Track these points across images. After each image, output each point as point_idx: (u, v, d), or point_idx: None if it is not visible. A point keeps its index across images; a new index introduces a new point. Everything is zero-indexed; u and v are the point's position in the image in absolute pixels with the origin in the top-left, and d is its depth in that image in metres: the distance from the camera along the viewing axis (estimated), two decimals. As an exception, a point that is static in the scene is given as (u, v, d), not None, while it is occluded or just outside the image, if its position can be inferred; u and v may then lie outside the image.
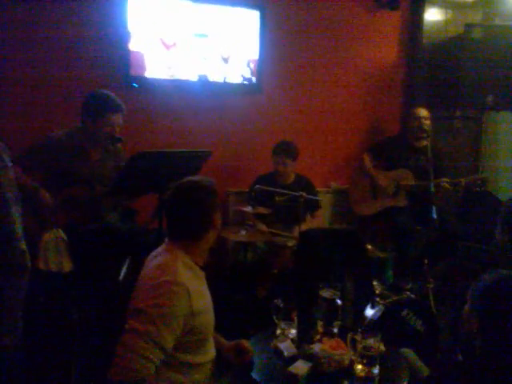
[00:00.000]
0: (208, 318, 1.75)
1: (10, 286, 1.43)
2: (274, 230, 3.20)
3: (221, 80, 3.59)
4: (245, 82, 3.67)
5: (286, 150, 3.41)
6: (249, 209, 2.93)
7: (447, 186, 3.40)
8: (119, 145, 2.75)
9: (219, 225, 1.81)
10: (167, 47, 3.38)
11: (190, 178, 1.83)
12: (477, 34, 4.12)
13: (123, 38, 3.21)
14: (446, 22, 4.35)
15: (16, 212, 1.45)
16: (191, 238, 1.75)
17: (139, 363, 1.52)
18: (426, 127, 3.68)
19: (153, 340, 1.54)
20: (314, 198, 3.29)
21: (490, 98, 3.98)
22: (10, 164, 1.48)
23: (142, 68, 3.31)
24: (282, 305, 2.09)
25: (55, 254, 2.23)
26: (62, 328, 2.29)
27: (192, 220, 1.74)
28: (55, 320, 2.30)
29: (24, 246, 1.46)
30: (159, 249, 1.81)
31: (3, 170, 1.43)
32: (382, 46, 4.24)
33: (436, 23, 4.35)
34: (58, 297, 2.33)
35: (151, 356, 1.54)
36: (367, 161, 3.88)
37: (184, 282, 1.62)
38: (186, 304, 1.61)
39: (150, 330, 1.54)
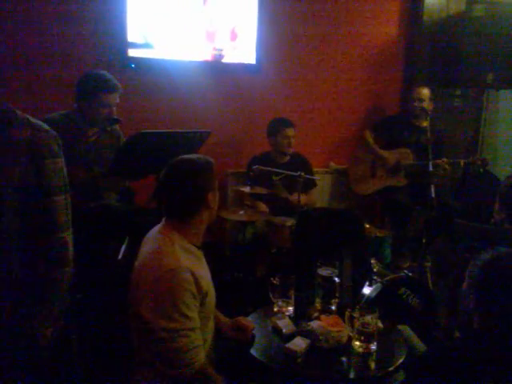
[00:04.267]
0: (211, 296, 1.77)
1: (50, 279, 1.39)
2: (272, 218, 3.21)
3: (219, 60, 3.56)
4: (244, 62, 3.64)
5: (289, 122, 3.42)
6: (247, 189, 2.93)
7: (446, 166, 3.40)
8: (117, 126, 2.73)
9: (214, 204, 1.76)
10: (164, 27, 3.34)
11: (185, 156, 1.79)
12: (479, 11, 4.06)
13: (121, 15, 3.17)
14: (448, -1, 4.28)
15: (61, 201, 1.42)
16: (184, 216, 1.73)
17: (192, 355, 1.57)
18: (425, 107, 3.67)
19: (187, 329, 1.57)
20: (313, 177, 3.30)
21: (490, 77, 3.95)
22: (61, 153, 1.44)
23: (140, 48, 3.27)
24: (277, 282, 2.10)
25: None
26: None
27: (183, 198, 1.71)
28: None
29: (68, 238, 1.42)
30: (155, 229, 1.80)
31: (51, 158, 1.40)
32: (383, 24, 4.18)
33: (437, 0, 4.28)
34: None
35: (196, 342, 1.59)
36: (369, 137, 3.87)
37: (187, 265, 1.62)
38: (194, 285, 1.61)
39: (181, 323, 1.57)
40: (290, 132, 3.40)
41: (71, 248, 1.45)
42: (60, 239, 1.41)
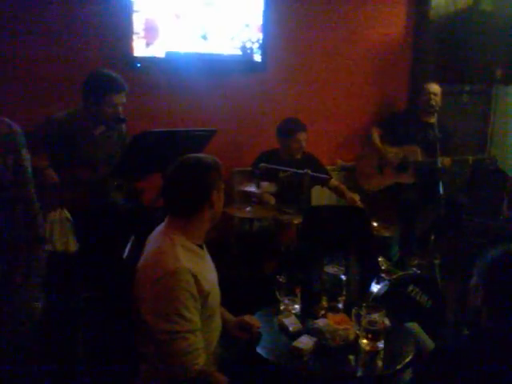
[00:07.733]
0: (215, 295, 1.76)
1: (35, 257, 1.54)
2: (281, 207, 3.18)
3: (225, 58, 3.55)
4: (249, 60, 3.63)
5: (302, 125, 3.34)
6: (253, 189, 2.91)
7: (448, 163, 3.37)
8: (123, 125, 2.74)
9: (217, 203, 1.75)
10: (168, 24, 3.34)
11: (192, 154, 1.79)
12: (486, 5, 4.03)
13: (126, 15, 3.18)
14: (455, -6, 4.25)
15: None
16: (187, 213, 1.72)
17: (191, 358, 1.57)
18: (434, 103, 3.64)
19: (186, 331, 1.57)
20: (318, 175, 3.26)
21: (498, 72, 3.91)
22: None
23: (144, 46, 3.27)
24: (284, 280, 2.09)
25: (61, 234, 2.24)
26: (68, 308, 2.32)
27: (188, 193, 1.71)
28: (62, 300, 2.32)
29: (41, 220, 1.60)
30: (158, 229, 1.80)
31: (24, 149, 1.54)
32: (389, 19, 4.15)
33: (444, -5, 4.25)
34: (64, 277, 2.35)
35: (196, 345, 1.58)
36: (375, 135, 3.84)
37: (188, 266, 1.61)
38: (195, 286, 1.61)
39: (180, 325, 1.56)
40: (302, 136, 3.32)
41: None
42: (40, 222, 1.60)
